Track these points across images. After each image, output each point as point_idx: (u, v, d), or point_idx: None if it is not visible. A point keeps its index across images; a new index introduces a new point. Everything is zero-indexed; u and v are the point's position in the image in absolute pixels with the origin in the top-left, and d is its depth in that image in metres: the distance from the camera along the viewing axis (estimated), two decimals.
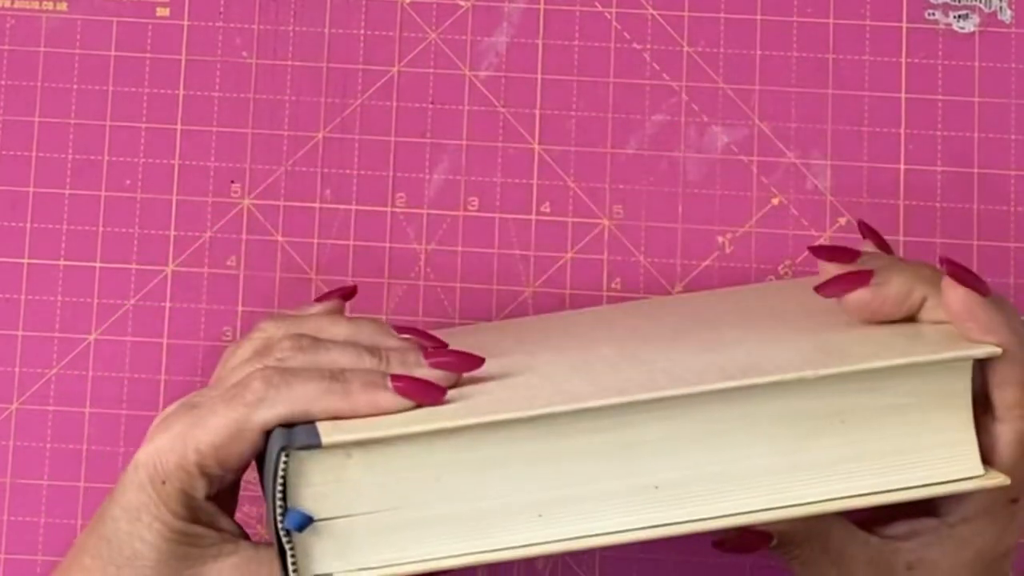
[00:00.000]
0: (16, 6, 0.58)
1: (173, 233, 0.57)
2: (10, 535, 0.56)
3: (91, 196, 0.57)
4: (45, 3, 0.58)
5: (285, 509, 0.42)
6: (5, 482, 0.56)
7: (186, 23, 0.58)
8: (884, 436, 0.43)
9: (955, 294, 0.44)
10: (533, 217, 0.57)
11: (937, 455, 0.43)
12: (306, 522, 0.42)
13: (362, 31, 0.58)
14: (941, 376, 0.43)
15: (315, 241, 0.57)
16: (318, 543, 0.42)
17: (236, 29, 0.58)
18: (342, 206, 0.57)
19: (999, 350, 0.43)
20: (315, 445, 0.41)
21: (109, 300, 0.57)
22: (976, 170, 0.57)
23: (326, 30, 0.58)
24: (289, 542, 0.42)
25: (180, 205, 0.57)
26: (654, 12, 0.58)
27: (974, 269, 0.50)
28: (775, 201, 0.57)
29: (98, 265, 0.57)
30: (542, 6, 0.58)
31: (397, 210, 0.57)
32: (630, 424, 0.42)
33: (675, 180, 0.57)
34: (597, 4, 0.58)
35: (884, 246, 0.50)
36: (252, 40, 0.58)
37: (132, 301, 0.57)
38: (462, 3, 0.58)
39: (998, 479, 0.43)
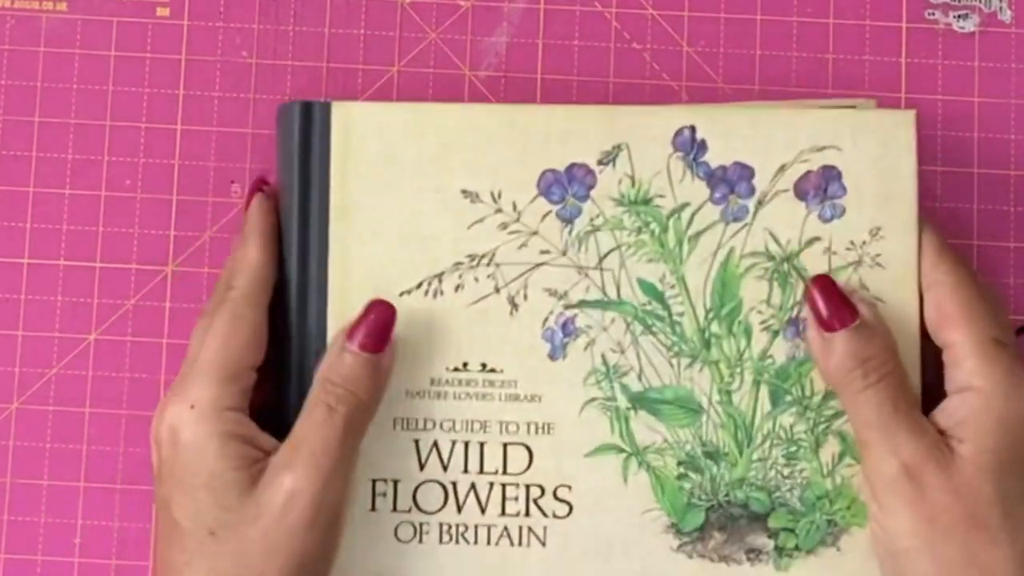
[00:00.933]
0: (16, 6, 0.58)
1: (173, 233, 0.57)
2: (10, 535, 0.56)
3: (91, 196, 0.57)
4: (45, 3, 0.58)
5: None
6: (5, 482, 0.56)
7: (186, 23, 0.58)
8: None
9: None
10: None
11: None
12: None
13: (362, 31, 0.58)
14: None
15: None
16: None
17: (236, 29, 0.58)
18: None
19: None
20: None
21: (109, 300, 0.57)
22: (976, 170, 0.57)
23: (326, 30, 0.58)
24: None
25: (180, 205, 0.57)
26: (654, 12, 0.58)
27: (974, 269, 0.50)
28: None
29: (98, 265, 0.57)
30: (542, 6, 0.58)
31: None
32: None
33: None
34: (597, 4, 0.58)
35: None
36: (252, 40, 0.58)
37: (132, 301, 0.57)
38: (462, 3, 0.58)
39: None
